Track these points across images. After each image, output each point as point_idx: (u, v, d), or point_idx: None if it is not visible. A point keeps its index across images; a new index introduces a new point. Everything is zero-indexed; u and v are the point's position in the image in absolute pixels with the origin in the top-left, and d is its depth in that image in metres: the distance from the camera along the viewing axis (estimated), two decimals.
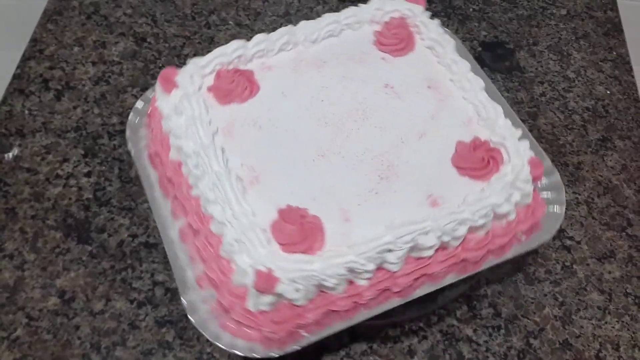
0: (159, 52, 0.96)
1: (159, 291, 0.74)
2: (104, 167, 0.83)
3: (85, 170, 0.83)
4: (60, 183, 0.81)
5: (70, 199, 0.80)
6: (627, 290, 0.78)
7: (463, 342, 0.72)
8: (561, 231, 0.82)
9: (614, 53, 1.02)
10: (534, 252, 0.79)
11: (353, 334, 0.72)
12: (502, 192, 0.62)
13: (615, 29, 1.06)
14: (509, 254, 0.65)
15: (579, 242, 0.81)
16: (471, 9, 1.06)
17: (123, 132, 0.85)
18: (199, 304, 0.61)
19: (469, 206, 0.61)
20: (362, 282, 0.60)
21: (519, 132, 0.67)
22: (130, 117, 0.74)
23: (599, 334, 0.74)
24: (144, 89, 0.91)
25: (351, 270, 0.58)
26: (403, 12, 0.77)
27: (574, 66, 1.00)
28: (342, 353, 0.71)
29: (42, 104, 0.89)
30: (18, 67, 0.92)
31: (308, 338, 0.60)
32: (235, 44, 0.72)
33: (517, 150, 0.65)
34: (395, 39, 0.75)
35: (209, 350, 0.70)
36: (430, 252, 0.61)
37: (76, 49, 0.95)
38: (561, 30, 1.05)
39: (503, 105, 0.71)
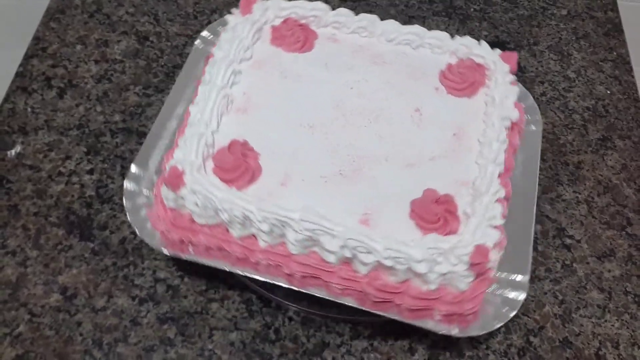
0: (161, 51, 0.96)
1: (161, 288, 0.74)
2: (106, 165, 0.83)
3: (88, 168, 0.83)
4: (62, 180, 0.82)
5: (72, 196, 0.80)
6: (627, 289, 0.78)
7: (463, 340, 0.73)
8: (561, 230, 0.82)
9: (614, 53, 1.03)
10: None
11: (354, 330, 0.72)
12: (427, 252, 0.59)
13: (615, 29, 1.06)
14: (417, 322, 0.63)
15: (579, 241, 0.81)
16: (472, 9, 1.06)
17: (125, 129, 0.87)
18: (141, 181, 0.70)
19: (386, 242, 0.59)
20: (261, 243, 0.62)
21: (497, 220, 0.62)
22: (214, 23, 0.86)
23: (599, 332, 0.74)
24: (146, 87, 0.91)
25: (245, 218, 0.60)
26: (486, 61, 0.76)
27: (575, 66, 1.00)
28: (343, 350, 0.71)
29: (45, 101, 0.89)
30: (21, 65, 0.93)
31: (193, 256, 0.65)
32: (318, 4, 0.78)
33: (475, 231, 0.61)
34: (459, 78, 0.74)
35: (210, 347, 0.70)
36: (332, 259, 0.60)
37: (79, 47, 0.96)
38: (562, 30, 1.05)
39: (527, 203, 0.70)
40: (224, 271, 0.68)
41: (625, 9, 1.10)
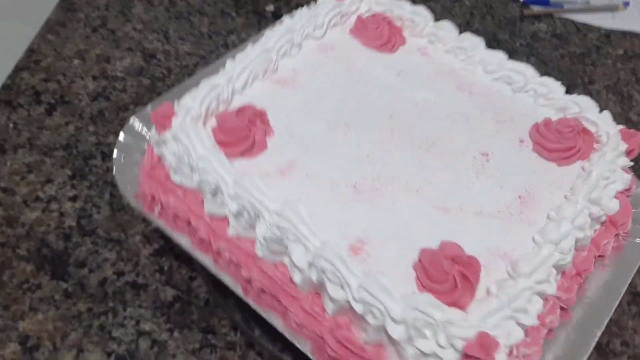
0: (168, 70, 0.85)
1: (144, 343, 0.60)
2: (92, 192, 0.71)
3: (71, 194, 0.70)
4: (39, 207, 0.69)
5: (48, 225, 0.67)
6: None
7: None
8: (637, 295, 0.67)
9: None
10: None
11: None
12: (410, 313, 0.44)
13: None
14: None
15: None
16: (518, 44, 0.96)
17: None
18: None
19: (366, 280, 0.45)
20: (230, 230, 0.52)
21: (529, 318, 0.46)
22: None
23: None
24: None
25: (217, 189, 0.51)
26: (598, 130, 0.61)
27: (637, 108, 0.88)
28: None
29: (31, 118, 0.77)
30: (9, 77, 0.82)
31: (158, 221, 0.57)
32: (420, 9, 0.70)
33: (488, 316, 0.45)
34: (555, 137, 0.59)
35: None
36: (297, 278, 0.49)
37: (76, 61, 0.85)
38: (619, 70, 0.94)
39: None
40: (223, 324, 0.54)
41: None
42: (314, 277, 0.47)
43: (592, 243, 0.54)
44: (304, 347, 0.49)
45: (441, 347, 0.43)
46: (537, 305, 0.47)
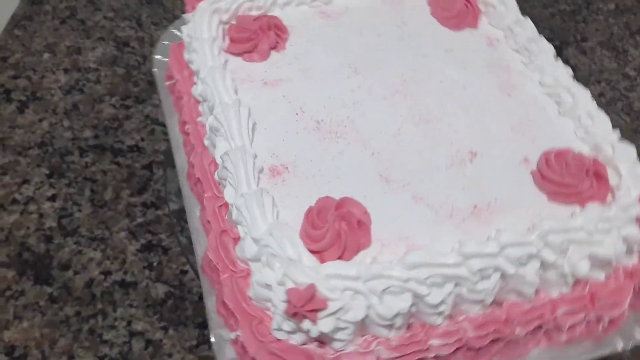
0: (143, 57, 0.81)
1: (138, 344, 0.56)
2: (72, 189, 0.67)
3: (49, 194, 0.67)
4: (17, 209, 0.65)
5: (28, 228, 0.64)
6: None
7: None
8: None
9: None
10: None
11: None
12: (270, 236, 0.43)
13: None
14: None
15: None
16: None
17: (97, 147, 0.71)
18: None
19: (245, 199, 0.45)
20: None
21: (386, 309, 0.41)
22: None
23: None
24: (125, 97, 0.76)
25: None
26: (620, 183, 0.50)
27: (633, 63, 0.85)
28: None
29: (1, 117, 0.73)
30: None
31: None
32: None
33: (340, 283, 0.42)
34: (558, 176, 0.50)
35: None
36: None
37: (46, 55, 0.81)
38: (612, 25, 0.91)
39: None
40: None
41: None
42: (220, 173, 0.48)
43: (549, 304, 0.45)
44: (202, 246, 0.48)
45: (278, 284, 0.41)
46: (403, 303, 0.41)
